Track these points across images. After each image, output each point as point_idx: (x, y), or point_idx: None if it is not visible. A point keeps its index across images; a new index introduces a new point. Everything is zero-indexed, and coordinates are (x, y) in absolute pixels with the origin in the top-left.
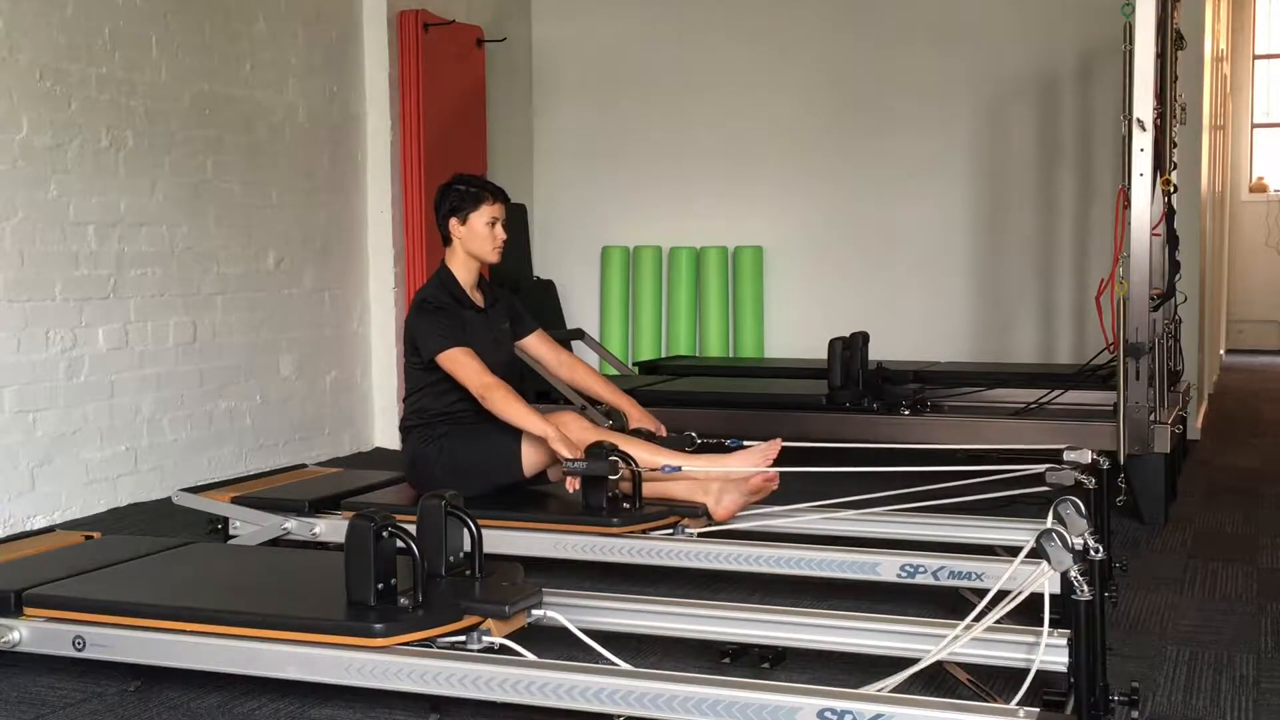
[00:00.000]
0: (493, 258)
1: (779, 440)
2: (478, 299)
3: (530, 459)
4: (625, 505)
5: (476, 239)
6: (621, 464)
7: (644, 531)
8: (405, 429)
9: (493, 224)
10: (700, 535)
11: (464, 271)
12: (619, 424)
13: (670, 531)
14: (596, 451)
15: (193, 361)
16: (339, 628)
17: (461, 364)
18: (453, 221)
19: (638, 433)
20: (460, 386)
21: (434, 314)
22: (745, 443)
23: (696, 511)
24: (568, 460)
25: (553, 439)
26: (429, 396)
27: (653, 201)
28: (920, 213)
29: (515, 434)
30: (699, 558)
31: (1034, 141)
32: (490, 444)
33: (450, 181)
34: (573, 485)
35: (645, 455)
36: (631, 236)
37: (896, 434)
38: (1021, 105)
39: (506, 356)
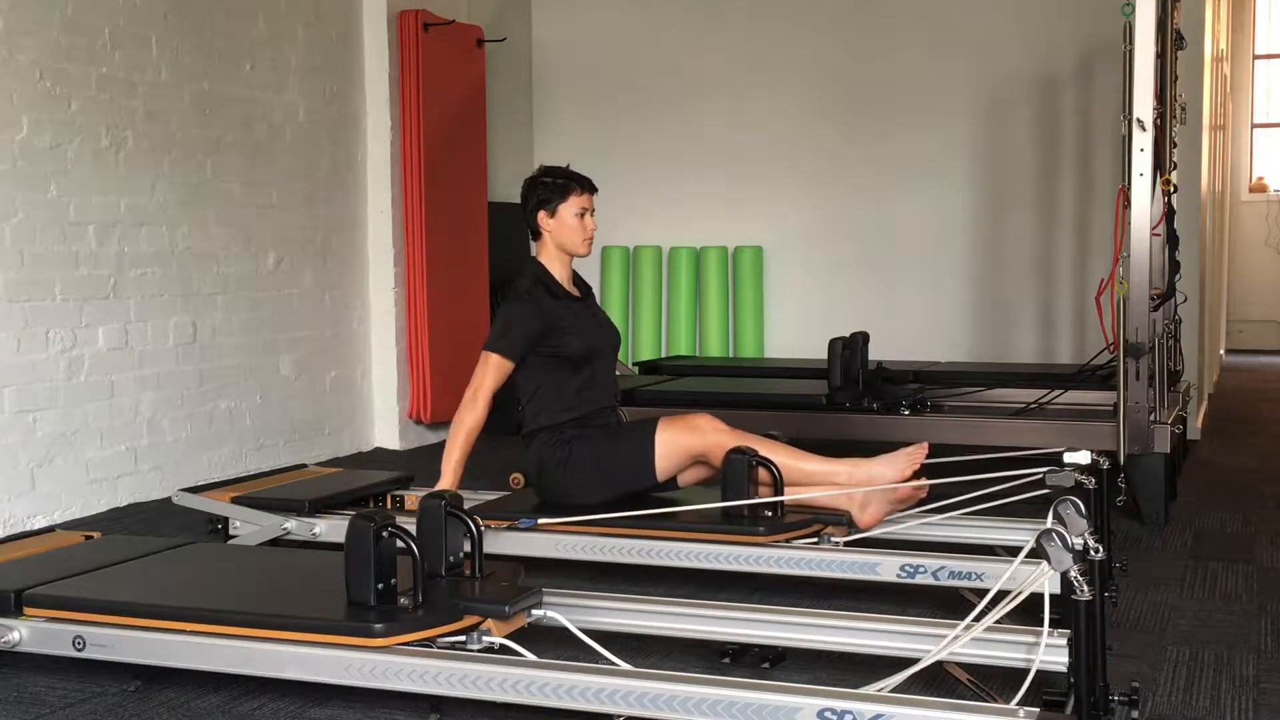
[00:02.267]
0: (583, 249)
1: (925, 444)
2: (573, 291)
3: (665, 463)
4: (768, 513)
5: (567, 231)
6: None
7: (788, 540)
8: (529, 433)
9: (582, 215)
10: (845, 544)
11: (556, 265)
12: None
13: (814, 540)
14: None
15: (193, 361)
16: (339, 628)
17: (488, 367)
18: (541, 215)
19: (770, 435)
20: (577, 382)
21: (518, 309)
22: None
23: (840, 520)
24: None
25: (443, 482)
26: (549, 398)
27: (653, 201)
28: (920, 213)
29: (649, 436)
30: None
31: (1034, 141)
32: (624, 447)
33: (536, 175)
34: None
35: (785, 460)
36: (631, 236)
37: (896, 434)
38: (1021, 105)
39: (614, 339)
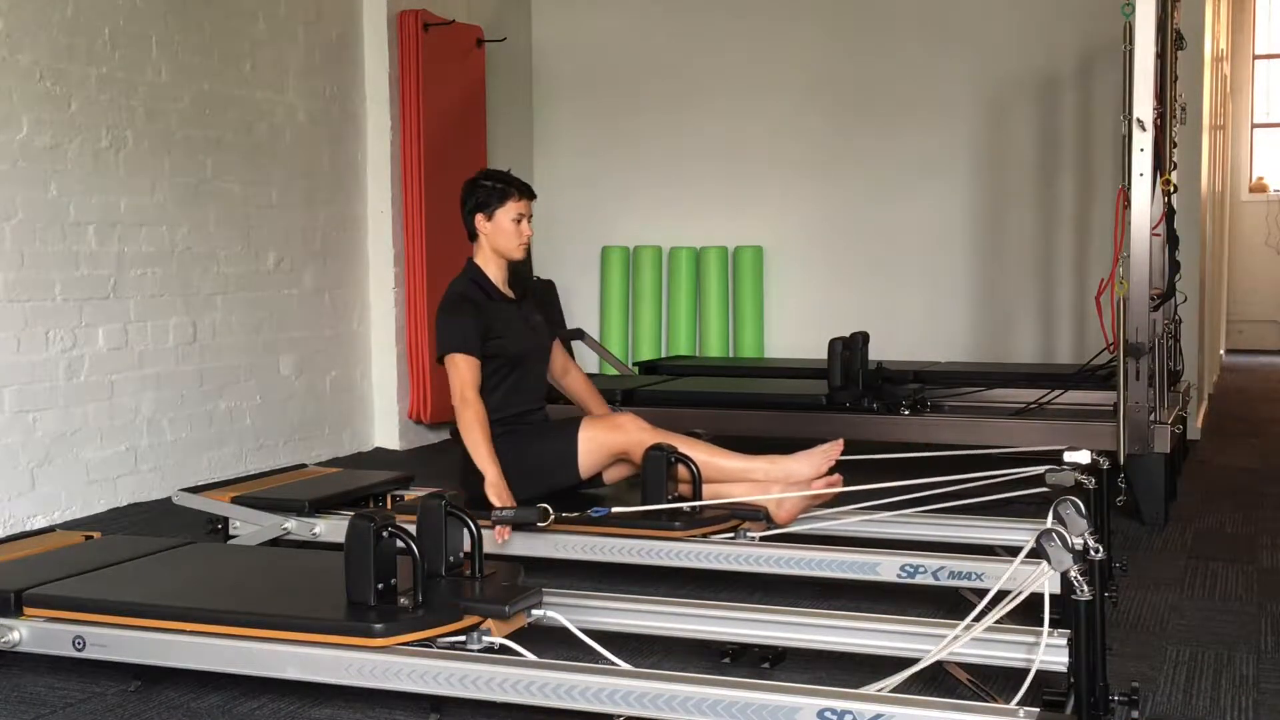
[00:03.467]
0: (518, 254)
1: (840, 440)
2: (508, 294)
3: (587, 460)
4: (684, 509)
5: (502, 235)
6: (551, 513)
7: (705, 535)
8: (456, 431)
9: (519, 220)
10: (761, 539)
11: (492, 267)
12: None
13: (731, 535)
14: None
15: (193, 361)
16: (339, 628)
17: (458, 368)
18: (479, 217)
19: (694, 434)
20: (506, 385)
21: (454, 312)
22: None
23: (757, 515)
24: (496, 509)
25: (489, 483)
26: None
27: (653, 201)
28: (920, 213)
29: (572, 435)
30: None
31: (1034, 141)
32: (547, 445)
33: (476, 177)
34: (501, 535)
35: (705, 457)
36: (631, 236)
37: (897, 434)
38: (1021, 105)
39: (542, 342)
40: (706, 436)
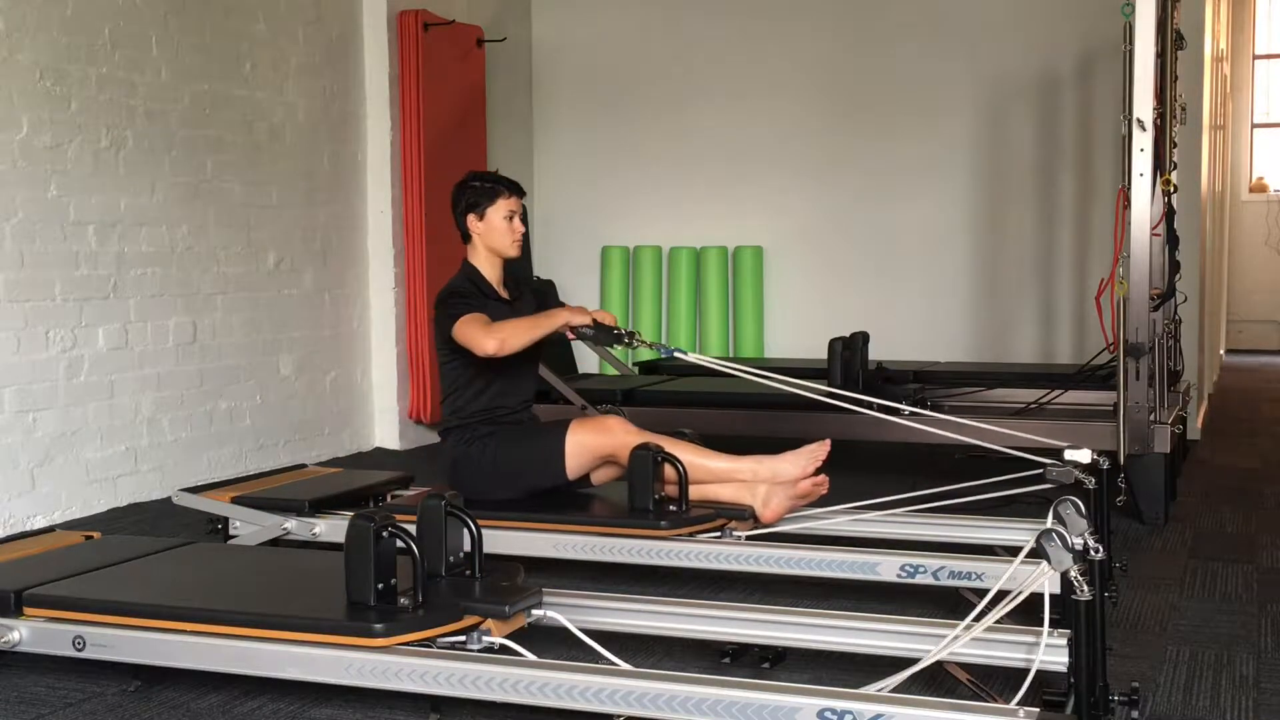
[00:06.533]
0: (513, 251)
1: (828, 441)
2: (503, 293)
3: (574, 461)
4: (672, 508)
5: (495, 233)
6: (624, 332)
7: (691, 534)
8: (444, 430)
9: (510, 218)
10: (748, 538)
11: (487, 267)
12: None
13: (717, 534)
14: (605, 327)
15: (193, 361)
16: (339, 628)
17: (471, 325)
18: (470, 218)
19: (681, 434)
20: (495, 384)
21: (454, 297)
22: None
23: (743, 514)
24: (577, 326)
25: (558, 317)
26: (466, 397)
27: (653, 201)
28: (920, 213)
29: (560, 436)
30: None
31: (1034, 141)
32: (534, 446)
33: (465, 179)
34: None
35: (691, 458)
36: (631, 236)
37: (896, 434)
38: (1021, 105)
39: (532, 347)
40: (693, 437)
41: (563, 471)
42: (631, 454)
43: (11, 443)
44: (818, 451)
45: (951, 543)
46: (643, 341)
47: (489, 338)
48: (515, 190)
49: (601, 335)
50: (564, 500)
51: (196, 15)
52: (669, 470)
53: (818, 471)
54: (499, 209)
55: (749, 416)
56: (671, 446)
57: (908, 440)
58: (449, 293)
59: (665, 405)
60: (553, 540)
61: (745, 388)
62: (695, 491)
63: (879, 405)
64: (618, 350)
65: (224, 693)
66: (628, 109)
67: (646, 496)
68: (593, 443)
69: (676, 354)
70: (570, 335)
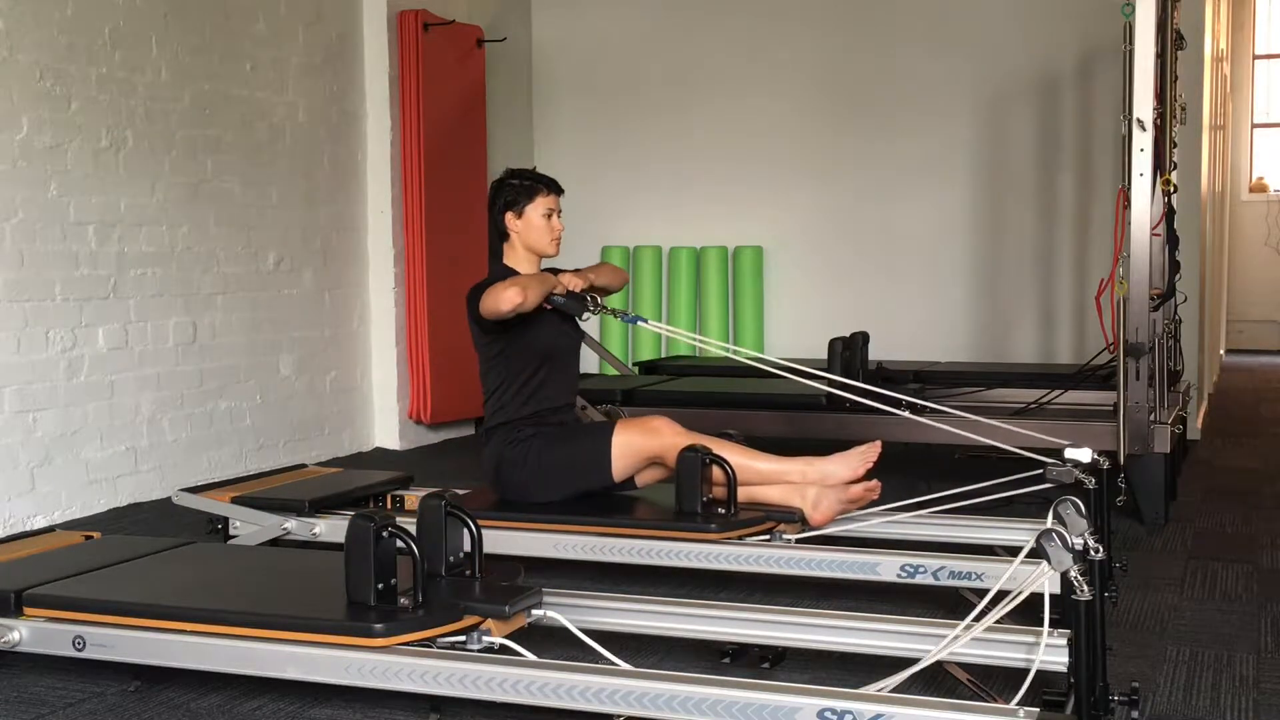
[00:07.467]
0: (551, 250)
1: (878, 442)
2: None
3: (621, 463)
4: (720, 510)
5: (534, 231)
6: (591, 299)
7: (740, 538)
8: (487, 430)
9: (549, 215)
10: (798, 541)
11: (525, 266)
12: (614, 416)
13: (767, 537)
14: (578, 295)
15: (193, 361)
16: (339, 628)
17: (491, 290)
18: (508, 216)
19: (727, 435)
20: (540, 382)
21: (482, 286)
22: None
23: (793, 517)
24: (554, 294)
25: (554, 284)
26: (509, 396)
27: (653, 201)
28: (920, 213)
29: (606, 437)
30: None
31: (1034, 141)
32: (581, 447)
33: (503, 176)
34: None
35: (739, 459)
36: (631, 236)
37: (896, 434)
38: (1021, 105)
39: (572, 341)
40: (738, 438)
41: (610, 473)
42: (679, 456)
43: (11, 443)
44: (868, 453)
45: (951, 543)
46: (604, 308)
47: (508, 288)
48: (554, 188)
49: (573, 304)
50: (610, 503)
51: (196, 15)
52: (716, 472)
53: (869, 475)
54: (538, 206)
55: (748, 416)
56: (718, 448)
57: (908, 440)
58: (479, 285)
59: (665, 405)
60: (564, 541)
61: (744, 388)
62: (742, 493)
63: (884, 398)
64: (616, 350)
65: (224, 693)
66: (628, 109)
67: (695, 499)
68: (640, 444)
69: (640, 322)
70: (546, 305)
